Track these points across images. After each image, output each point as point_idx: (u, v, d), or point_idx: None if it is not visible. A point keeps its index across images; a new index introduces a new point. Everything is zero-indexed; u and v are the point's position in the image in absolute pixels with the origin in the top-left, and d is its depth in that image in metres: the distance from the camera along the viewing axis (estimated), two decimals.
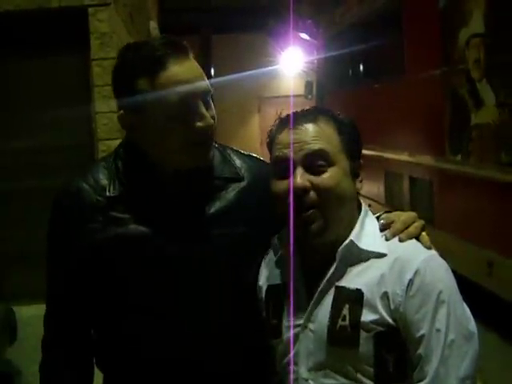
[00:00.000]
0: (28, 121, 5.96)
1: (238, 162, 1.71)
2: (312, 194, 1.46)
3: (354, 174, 1.54)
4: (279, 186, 1.50)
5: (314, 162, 1.47)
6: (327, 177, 1.47)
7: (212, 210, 1.62)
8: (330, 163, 1.48)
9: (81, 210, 1.59)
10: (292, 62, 16.12)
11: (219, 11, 14.85)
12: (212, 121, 1.50)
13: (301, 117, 1.54)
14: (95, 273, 1.59)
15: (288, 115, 1.58)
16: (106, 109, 5.90)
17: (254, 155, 1.78)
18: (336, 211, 1.49)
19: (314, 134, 1.49)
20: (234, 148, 1.78)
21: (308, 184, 1.46)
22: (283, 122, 1.56)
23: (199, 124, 1.48)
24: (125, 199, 1.58)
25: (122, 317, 1.61)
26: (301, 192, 1.45)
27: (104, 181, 1.60)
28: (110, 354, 1.68)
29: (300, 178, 1.46)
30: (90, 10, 5.92)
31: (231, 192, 1.65)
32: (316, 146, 1.48)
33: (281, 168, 1.50)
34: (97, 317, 1.66)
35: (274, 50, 16.33)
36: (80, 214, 1.58)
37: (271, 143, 1.58)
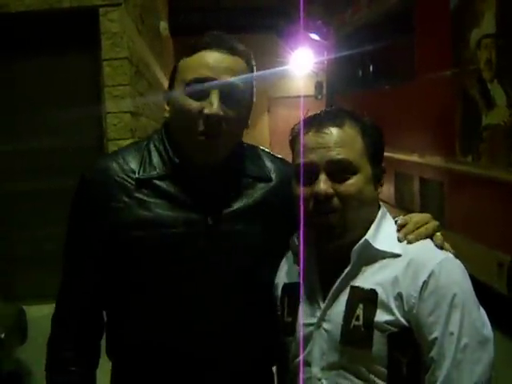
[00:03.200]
0: (38, 121, 5.99)
1: (267, 163, 1.73)
2: (335, 200, 1.47)
3: (376, 180, 1.55)
4: (302, 191, 1.50)
5: (338, 169, 1.48)
6: (350, 184, 1.47)
7: (237, 206, 1.63)
8: (354, 171, 1.48)
9: (106, 187, 1.59)
10: (302, 63, 16.12)
11: (229, 11, 14.88)
12: (221, 112, 1.50)
13: (327, 119, 1.53)
14: (113, 253, 1.60)
15: (314, 115, 1.58)
16: (116, 109, 5.92)
17: (282, 157, 1.79)
18: (357, 216, 1.50)
19: (339, 140, 1.49)
20: (264, 149, 1.81)
21: (331, 191, 1.46)
22: (309, 123, 1.55)
23: (206, 110, 1.50)
24: (152, 184, 1.59)
25: (136, 302, 1.62)
26: (323, 198, 1.46)
27: (133, 163, 1.62)
28: (122, 340, 1.68)
29: (323, 184, 1.46)
30: (101, 10, 5.94)
31: (258, 191, 1.67)
32: (340, 155, 1.47)
33: (305, 172, 1.50)
34: (111, 298, 1.66)
35: (283, 51, 16.33)
36: (105, 192, 1.59)
37: (294, 142, 1.59)
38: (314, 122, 1.54)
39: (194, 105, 1.52)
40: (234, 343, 1.62)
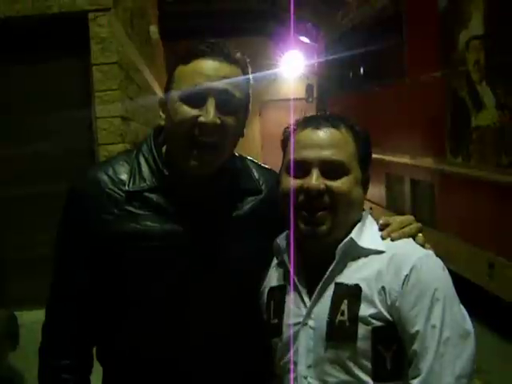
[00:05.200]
0: (28, 126, 5.96)
1: (256, 175, 1.74)
2: (325, 197, 1.49)
3: (364, 184, 1.59)
4: (293, 183, 1.53)
5: (330, 168, 1.51)
6: (341, 182, 1.51)
7: (227, 219, 1.64)
8: (345, 171, 1.52)
9: (97, 199, 1.60)
10: (293, 66, 16.14)
11: (219, 15, 14.87)
12: (217, 120, 1.51)
13: (324, 120, 1.58)
14: (103, 264, 1.60)
15: (311, 116, 1.63)
16: (106, 114, 5.91)
17: (270, 168, 1.81)
18: (345, 216, 1.53)
19: (334, 140, 1.53)
20: (253, 159, 1.82)
21: (323, 186, 1.49)
22: (306, 122, 1.60)
23: (202, 118, 1.50)
24: (142, 196, 1.60)
25: (126, 312, 1.62)
26: (315, 193, 1.49)
27: (124, 174, 1.62)
28: (111, 348, 1.68)
29: (316, 179, 1.49)
30: (90, 15, 5.92)
31: (248, 204, 1.68)
32: (333, 156, 1.51)
33: (298, 167, 1.54)
34: (101, 307, 1.66)
35: (274, 54, 16.35)
36: (95, 203, 1.59)
37: (287, 141, 1.62)
38: (311, 122, 1.59)
39: (189, 112, 1.52)
40: (222, 355, 1.63)
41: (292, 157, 1.55)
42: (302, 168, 1.53)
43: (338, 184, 1.50)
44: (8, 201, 6.11)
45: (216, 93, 1.52)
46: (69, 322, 1.65)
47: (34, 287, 5.34)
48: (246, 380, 1.69)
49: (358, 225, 1.56)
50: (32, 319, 4.88)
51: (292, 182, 1.53)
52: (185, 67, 1.56)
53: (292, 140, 1.59)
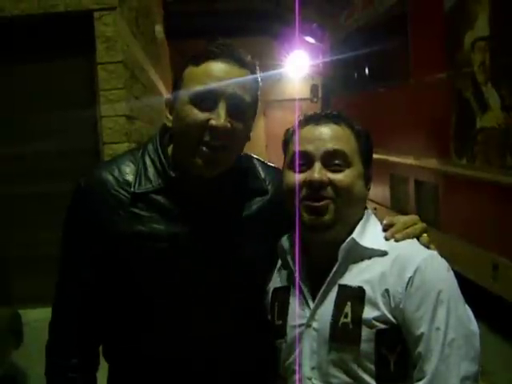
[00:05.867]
0: (33, 125, 5.98)
1: (262, 174, 1.74)
2: (328, 189, 1.50)
3: (367, 180, 1.59)
4: (296, 178, 1.54)
5: (333, 160, 1.52)
6: (344, 175, 1.52)
7: (234, 219, 1.64)
8: (347, 164, 1.53)
9: (102, 200, 1.59)
10: (297, 66, 16.14)
11: (224, 15, 14.87)
12: (228, 125, 1.50)
13: (324, 117, 1.59)
14: (108, 264, 1.60)
15: (312, 114, 1.64)
16: (111, 113, 5.92)
17: (276, 166, 1.80)
18: (348, 208, 1.53)
19: (336, 134, 1.55)
20: (259, 158, 1.81)
21: (326, 179, 1.50)
22: (307, 119, 1.61)
23: (213, 122, 1.49)
24: (147, 197, 1.59)
25: (131, 311, 1.62)
26: (318, 184, 1.49)
27: (130, 175, 1.61)
28: (116, 346, 1.69)
29: (318, 172, 1.50)
30: (96, 14, 5.94)
31: (255, 204, 1.68)
32: (336, 146, 1.53)
33: (300, 160, 1.54)
34: (107, 305, 1.66)
35: (279, 54, 16.34)
36: (101, 202, 1.59)
37: (288, 141, 1.63)
38: (312, 118, 1.60)
39: (200, 116, 1.50)
40: (227, 354, 1.63)
41: (295, 150, 1.56)
42: (305, 161, 1.53)
43: (340, 177, 1.51)
44: (12, 199, 6.13)
45: (227, 96, 1.51)
46: (75, 321, 1.66)
47: (38, 285, 5.35)
48: (249, 380, 1.69)
49: (360, 223, 1.56)
50: (35, 317, 4.90)
51: (295, 177, 1.54)
52: (195, 68, 1.55)
53: (294, 136, 1.60)
